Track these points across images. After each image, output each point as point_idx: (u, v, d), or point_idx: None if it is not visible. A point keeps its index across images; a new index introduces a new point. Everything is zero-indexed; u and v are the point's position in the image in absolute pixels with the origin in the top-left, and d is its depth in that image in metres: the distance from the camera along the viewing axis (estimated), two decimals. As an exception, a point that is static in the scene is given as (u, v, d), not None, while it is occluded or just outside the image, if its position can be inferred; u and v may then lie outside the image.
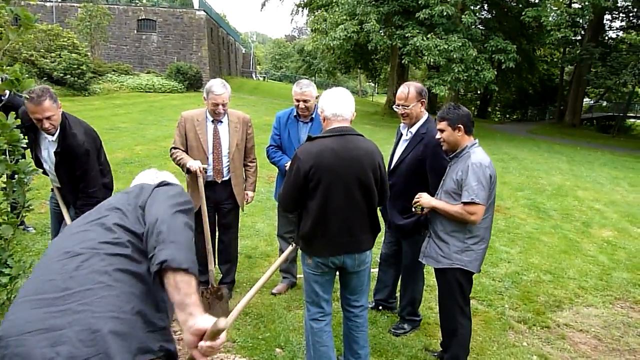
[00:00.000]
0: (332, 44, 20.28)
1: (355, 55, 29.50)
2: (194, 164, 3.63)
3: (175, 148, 3.84)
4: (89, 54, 22.28)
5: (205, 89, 3.75)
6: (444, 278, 3.06)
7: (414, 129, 3.38)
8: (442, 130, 2.99)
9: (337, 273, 2.94)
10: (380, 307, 3.95)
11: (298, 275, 4.40)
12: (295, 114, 3.95)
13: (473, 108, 43.94)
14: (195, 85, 26.35)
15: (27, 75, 2.54)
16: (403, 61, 21.11)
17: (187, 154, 3.78)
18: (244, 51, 54.01)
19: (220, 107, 3.70)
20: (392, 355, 3.35)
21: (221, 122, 3.82)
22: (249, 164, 4.02)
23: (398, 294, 3.86)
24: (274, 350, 3.28)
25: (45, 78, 19.56)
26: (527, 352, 3.53)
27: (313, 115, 3.93)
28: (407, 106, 3.30)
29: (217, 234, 4.05)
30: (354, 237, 2.77)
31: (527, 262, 5.42)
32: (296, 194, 2.70)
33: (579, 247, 6.19)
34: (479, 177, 2.81)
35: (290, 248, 3.19)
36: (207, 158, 3.77)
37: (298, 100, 3.83)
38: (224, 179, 3.83)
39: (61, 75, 19.57)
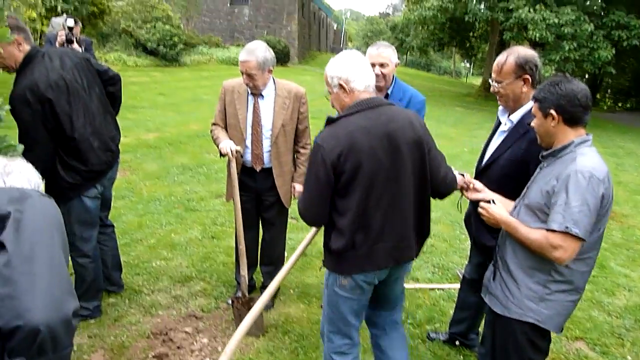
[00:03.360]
0: (425, 15, 18.87)
1: (451, 31, 27.52)
2: (226, 146, 2.94)
3: (215, 124, 3.20)
4: (181, 26, 22.71)
5: None
6: (508, 330, 2.09)
7: (515, 117, 2.42)
8: (534, 116, 2.05)
9: None
10: (457, 342, 3.09)
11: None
12: None
13: (580, 93, 39.79)
14: (282, 60, 26.02)
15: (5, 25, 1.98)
16: (504, 37, 19.16)
17: (227, 132, 3.13)
18: (335, 27, 53.14)
19: (245, 77, 2.96)
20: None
21: (262, 96, 3.09)
22: (300, 149, 3.25)
23: (481, 329, 2.98)
24: (309, 392, 2.58)
25: (140, 48, 20.22)
26: None
27: (389, 91, 3.07)
28: (500, 82, 2.39)
29: (260, 230, 3.40)
30: (406, 240, 2.14)
31: (654, 291, 4.22)
32: (325, 196, 2.04)
33: None
34: (585, 196, 1.83)
35: (312, 231, 2.41)
36: (245, 140, 3.08)
37: (373, 65, 2.94)
38: (264, 166, 3.13)
39: (154, 46, 20.07)
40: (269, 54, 3.00)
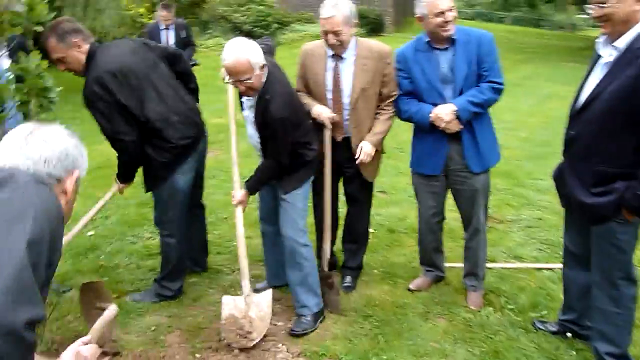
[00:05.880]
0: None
1: (564, -21, 24.74)
2: (319, 112, 2.75)
3: (298, 91, 2.94)
4: (275, 5, 22.96)
5: None
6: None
7: (621, 42, 1.99)
8: None
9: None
10: (569, 334, 2.61)
11: (446, 264, 3.27)
12: (426, 39, 2.70)
13: None
14: (377, 30, 25.21)
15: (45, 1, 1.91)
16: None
17: None
18: (432, -10, 50.60)
19: (331, 36, 2.68)
20: None
21: (343, 58, 2.81)
22: (384, 107, 2.88)
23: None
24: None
25: (237, 32, 20.84)
26: None
27: (455, 36, 2.63)
28: (603, 3, 1.96)
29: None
30: None
31: None
32: None
33: None
34: None
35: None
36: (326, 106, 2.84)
37: (442, 12, 2.54)
38: (345, 135, 2.86)
39: (250, 28, 20.54)
40: (353, 5, 2.75)
